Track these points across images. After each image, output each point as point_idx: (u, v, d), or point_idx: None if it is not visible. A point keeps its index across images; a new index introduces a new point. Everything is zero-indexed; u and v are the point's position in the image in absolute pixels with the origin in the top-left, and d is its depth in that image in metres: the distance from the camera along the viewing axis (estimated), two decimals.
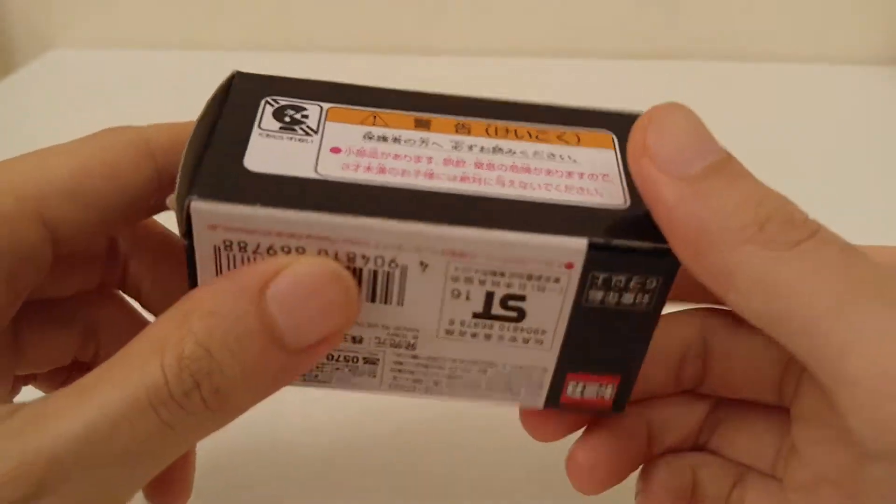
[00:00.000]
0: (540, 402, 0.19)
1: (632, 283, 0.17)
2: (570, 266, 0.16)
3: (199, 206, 0.16)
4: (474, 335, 0.18)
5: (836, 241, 0.15)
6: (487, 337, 0.18)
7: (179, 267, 0.17)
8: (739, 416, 0.22)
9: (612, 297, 0.17)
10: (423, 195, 0.17)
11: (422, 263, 0.16)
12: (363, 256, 0.16)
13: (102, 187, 0.18)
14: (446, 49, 0.63)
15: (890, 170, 0.48)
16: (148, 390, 0.15)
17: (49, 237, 0.18)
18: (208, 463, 0.27)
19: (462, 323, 0.18)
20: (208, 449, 0.27)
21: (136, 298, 0.23)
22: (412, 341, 0.18)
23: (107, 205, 0.19)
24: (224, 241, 0.16)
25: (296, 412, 0.29)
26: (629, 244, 0.16)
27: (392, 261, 0.16)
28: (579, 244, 0.16)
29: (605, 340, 0.18)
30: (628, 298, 0.17)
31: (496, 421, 0.28)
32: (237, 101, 0.19)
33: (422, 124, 0.18)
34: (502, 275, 0.17)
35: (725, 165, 0.16)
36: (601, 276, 0.17)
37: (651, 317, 0.18)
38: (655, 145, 0.16)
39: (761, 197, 0.15)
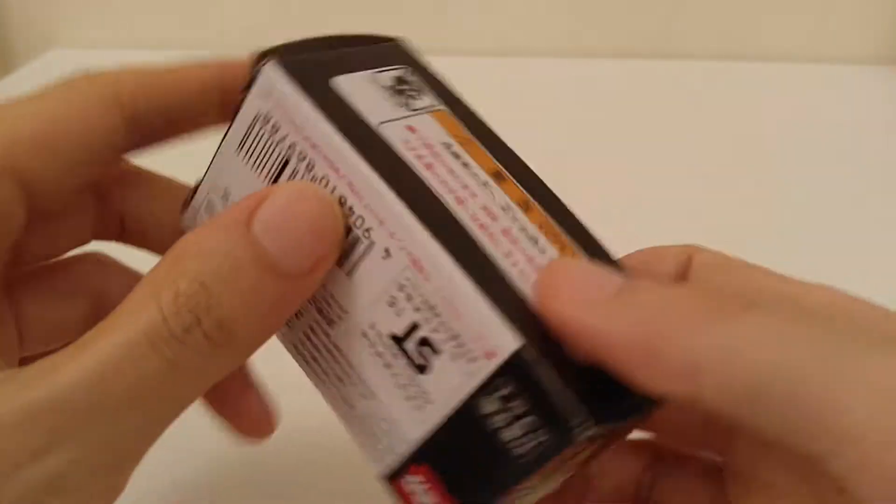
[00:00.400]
0: (381, 467, 0.18)
1: (524, 420, 0.15)
2: (489, 355, 0.15)
3: (274, 69, 0.17)
4: (379, 354, 0.17)
5: (772, 302, 0.15)
6: (387, 367, 0.17)
7: (176, 202, 0.18)
8: (676, 472, 0.21)
9: (499, 420, 0.15)
10: (437, 204, 0.16)
11: (386, 250, 0.16)
12: (350, 208, 0.16)
13: (70, 137, 0.18)
14: (446, 49, 0.63)
15: (890, 169, 0.48)
16: (147, 331, 0.15)
17: (21, 193, 0.18)
18: (207, 464, 0.27)
19: (378, 334, 0.17)
20: (206, 450, 0.27)
21: (144, 245, 0.23)
22: (335, 319, 0.17)
23: (75, 155, 0.19)
24: (266, 114, 0.17)
25: (296, 412, 0.29)
26: (550, 377, 0.15)
27: (368, 229, 0.16)
28: (512, 341, 0.15)
29: (470, 459, 0.16)
30: (511, 433, 0.15)
31: None
32: (378, 51, 0.19)
33: (497, 176, 0.18)
34: (437, 315, 0.16)
35: (637, 281, 0.15)
36: (505, 389, 0.15)
37: (519, 470, 0.15)
38: (565, 285, 0.15)
39: (687, 286, 0.15)
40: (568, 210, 0.19)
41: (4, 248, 0.18)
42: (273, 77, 0.17)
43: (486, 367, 0.15)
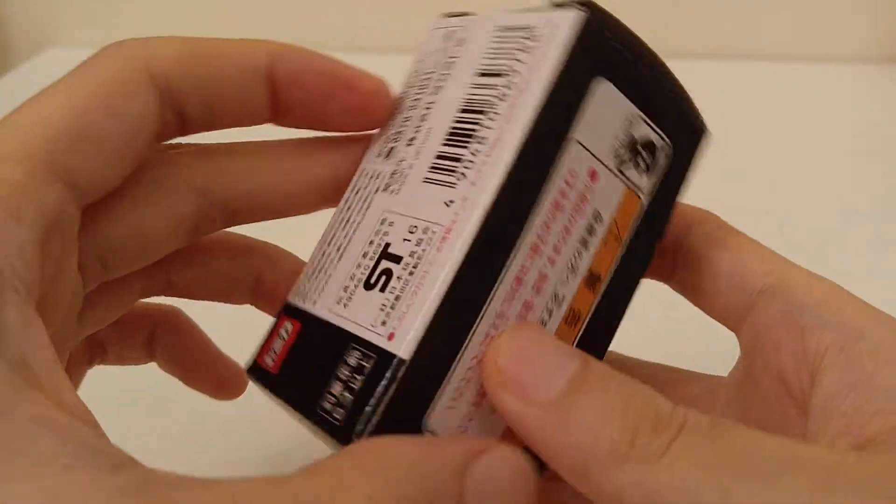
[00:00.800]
0: (291, 296, 0.19)
1: (345, 391, 0.16)
2: (390, 336, 0.16)
3: (575, 20, 0.16)
4: (370, 243, 0.18)
5: (702, 426, 0.15)
6: (363, 255, 0.18)
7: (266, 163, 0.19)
8: None
9: (343, 370, 0.16)
10: (515, 228, 0.16)
11: (451, 201, 0.16)
12: (483, 152, 0.17)
13: (108, 123, 0.17)
14: None
15: (890, 168, 0.48)
16: None
17: (71, 194, 0.16)
18: (209, 468, 0.26)
19: (385, 233, 0.18)
20: (208, 462, 0.27)
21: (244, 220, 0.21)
22: (388, 190, 0.18)
23: (115, 143, 0.17)
24: (531, 34, 0.17)
25: None
26: (385, 392, 0.15)
27: (466, 173, 0.17)
28: (403, 349, 0.15)
29: (308, 365, 0.17)
30: (335, 386, 0.16)
31: None
32: (672, 111, 0.18)
33: (592, 280, 0.17)
34: (410, 275, 0.16)
35: (583, 372, 0.15)
36: (365, 362, 0.16)
37: (309, 413, 0.16)
38: (511, 370, 0.15)
39: (626, 401, 0.15)
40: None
41: (60, 256, 0.17)
42: (567, 23, 0.16)
43: (377, 338, 0.16)
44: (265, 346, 0.19)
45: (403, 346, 0.15)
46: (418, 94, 0.19)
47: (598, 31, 0.16)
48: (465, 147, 0.17)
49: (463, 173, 0.16)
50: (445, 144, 0.17)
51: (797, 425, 0.17)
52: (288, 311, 0.19)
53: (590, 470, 0.15)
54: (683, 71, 0.19)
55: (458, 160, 0.17)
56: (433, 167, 0.17)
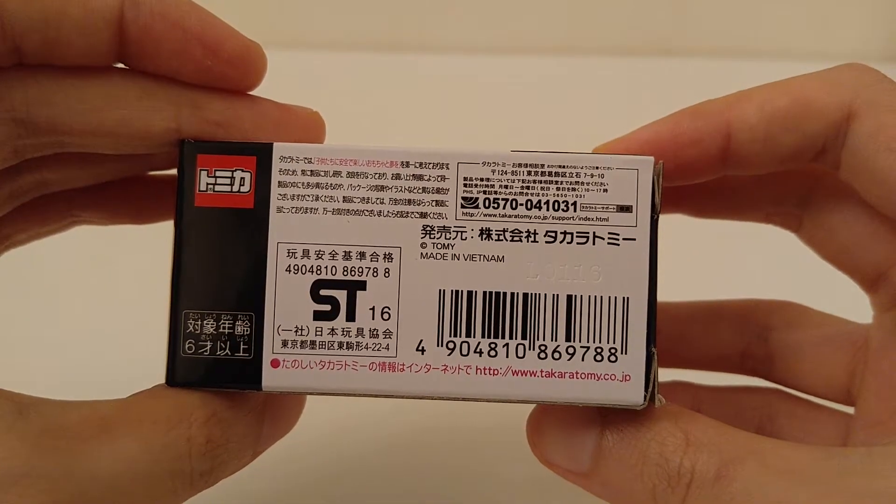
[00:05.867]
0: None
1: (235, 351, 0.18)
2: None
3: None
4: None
5: (707, 479, 0.17)
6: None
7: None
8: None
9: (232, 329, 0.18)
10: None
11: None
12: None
13: None
14: (435, 46, 0.63)
15: None
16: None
17: None
18: None
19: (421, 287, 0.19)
20: None
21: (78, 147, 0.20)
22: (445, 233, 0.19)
23: None
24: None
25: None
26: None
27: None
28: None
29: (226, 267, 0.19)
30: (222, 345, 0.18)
31: (500, 422, 0.28)
32: None
33: None
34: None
35: (603, 446, 0.18)
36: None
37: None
38: (548, 455, 0.19)
39: (641, 464, 0.17)
40: None
41: None
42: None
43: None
44: None
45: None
46: None
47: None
48: None
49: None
50: None
51: None
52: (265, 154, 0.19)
53: None
54: (682, 69, 0.19)
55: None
56: None
